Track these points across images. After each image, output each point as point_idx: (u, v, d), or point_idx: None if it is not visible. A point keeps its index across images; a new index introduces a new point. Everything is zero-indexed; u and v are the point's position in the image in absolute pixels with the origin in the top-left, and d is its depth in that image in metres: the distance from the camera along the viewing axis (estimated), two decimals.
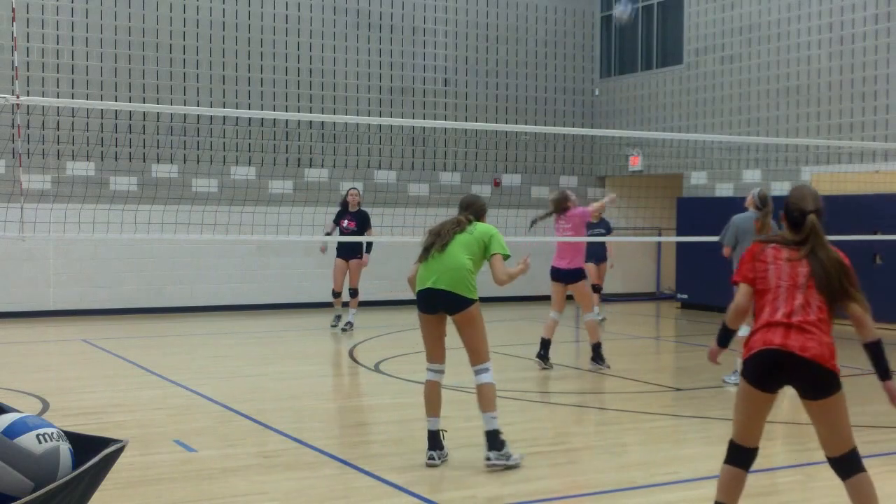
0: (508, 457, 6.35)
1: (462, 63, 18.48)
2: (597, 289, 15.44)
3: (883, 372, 4.54)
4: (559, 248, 10.64)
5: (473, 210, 6.82)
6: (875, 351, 4.52)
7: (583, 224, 10.62)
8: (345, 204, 13.70)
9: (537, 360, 10.63)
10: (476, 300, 6.50)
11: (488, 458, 6.33)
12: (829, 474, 6.30)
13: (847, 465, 4.48)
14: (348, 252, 13.67)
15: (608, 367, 10.61)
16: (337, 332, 13.67)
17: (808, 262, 4.51)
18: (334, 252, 13.82)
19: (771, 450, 7.00)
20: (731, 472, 4.56)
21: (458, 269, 6.47)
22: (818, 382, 4.43)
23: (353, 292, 13.82)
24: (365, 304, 16.93)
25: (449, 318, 6.60)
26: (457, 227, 6.66)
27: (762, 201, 9.62)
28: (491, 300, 18.02)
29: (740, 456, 4.56)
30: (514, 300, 17.70)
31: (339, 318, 13.97)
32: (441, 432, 6.58)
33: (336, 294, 13.83)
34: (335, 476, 6.27)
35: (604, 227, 15.15)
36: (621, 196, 19.58)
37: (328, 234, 13.67)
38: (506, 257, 6.60)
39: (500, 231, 6.77)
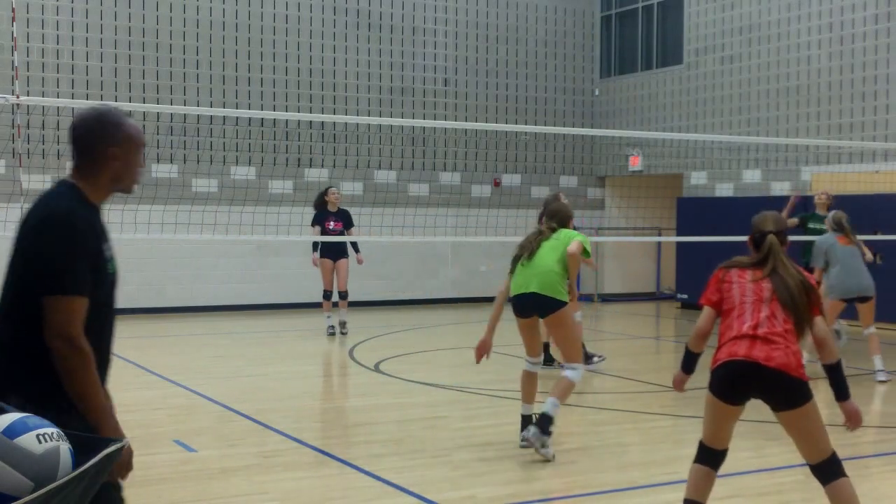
0: (544, 444, 6.55)
1: (462, 63, 18.48)
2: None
3: (842, 393, 4.56)
4: None
5: (559, 219, 7.23)
6: (835, 373, 4.55)
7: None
8: (323, 204, 13.10)
9: (591, 361, 10.48)
10: (566, 302, 6.82)
11: (527, 430, 6.62)
12: None
13: (826, 471, 4.51)
14: (335, 252, 13.11)
15: (601, 358, 10.55)
16: (336, 336, 13.24)
17: (771, 280, 4.55)
18: (320, 253, 13.17)
19: (771, 450, 7.00)
20: (700, 471, 4.67)
21: (546, 272, 6.80)
22: (786, 393, 4.45)
23: (343, 294, 13.31)
24: (365, 304, 16.94)
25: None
26: (540, 236, 7.05)
27: (837, 225, 9.93)
28: (487, 300, 18.03)
29: (710, 457, 4.69)
30: None
31: (332, 326, 13.32)
32: (533, 416, 6.84)
33: (328, 295, 13.26)
34: (335, 476, 6.28)
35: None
36: (621, 196, 19.63)
37: (316, 244, 13.13)
38: (585, 254, 6.98)
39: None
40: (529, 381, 7.11)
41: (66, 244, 3.01)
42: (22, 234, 3.09)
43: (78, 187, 3.23)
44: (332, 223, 13.00)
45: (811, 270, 9.83)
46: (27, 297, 2.99)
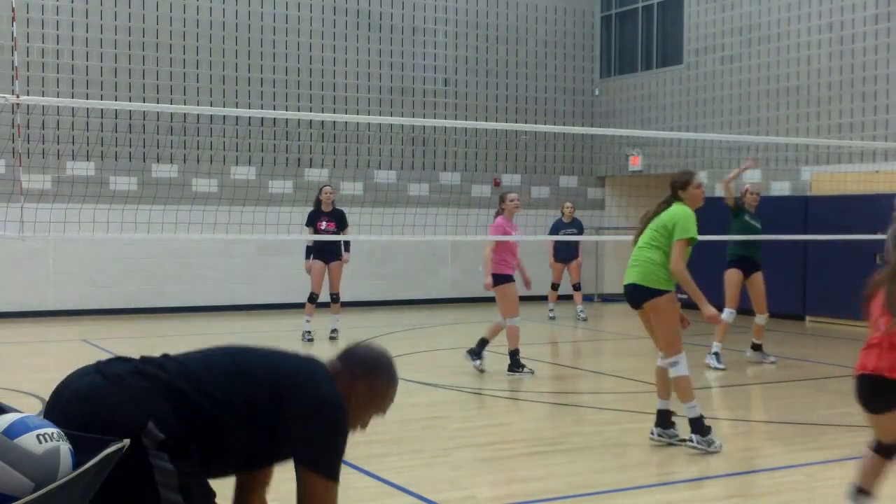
0: (711, 443, 6.62)
1: (462, 63, 18.48)
2: (577, 287, 15.75)
3: None
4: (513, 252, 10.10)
5: (673, 187, 6.95)
6: None
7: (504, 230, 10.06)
8: (318, 203, 12.65)
9: (519, 370, 10.03)
10: (664, 291, 6.66)
11: (690, 440, 6.67)
12: (829, 474, 6.30)
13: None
14: (328, 254, 12.58)
15: (530, 371, 10.08)
16: (314, 342, 12.60)
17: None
18: (314, 255, 12.71)
19: (771, 450, 7.00)
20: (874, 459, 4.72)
21: (643, 262, 6.71)
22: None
23: (336, 297, 12.82)
24: (364, 305, 16.95)
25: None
26: (654, 214, 6.88)
27: None
28: (486, 300, 18.03)
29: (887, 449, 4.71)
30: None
31: (310, 332, 12.72)
32: (668, 413, 6.89)
33: (313, 298, 12.61)
34: None
35: (576, 227, 15.46)
36: (621, 196, 19.64)
37: (310, 246, 12.65)
38: (691, 241, 6.77)
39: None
40: (659, 376, 6.99)
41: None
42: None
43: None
44: (324, 223, 12.51)
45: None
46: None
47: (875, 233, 13.34)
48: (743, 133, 16.57)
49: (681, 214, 6.72)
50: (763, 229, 11.06)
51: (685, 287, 6.69)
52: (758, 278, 10.86)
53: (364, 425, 3.53)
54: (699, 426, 6.67)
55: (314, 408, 3.26)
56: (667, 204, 6.89)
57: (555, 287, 15.69)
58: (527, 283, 10.24)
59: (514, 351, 10.01)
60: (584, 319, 15.39)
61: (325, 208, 12.63)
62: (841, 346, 12.38)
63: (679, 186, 6.89)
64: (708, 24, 17.54)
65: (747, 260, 10.83)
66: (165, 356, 3.37)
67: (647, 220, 6.91)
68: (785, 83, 16.13)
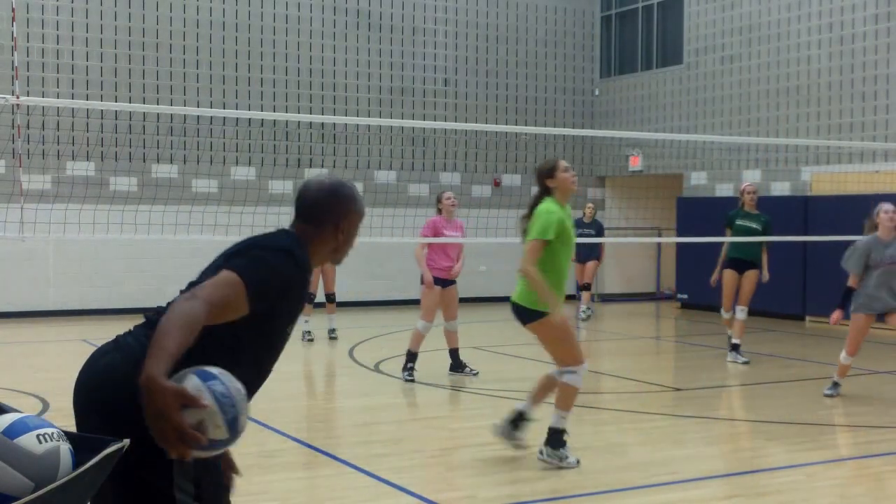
0: (563, 457, 6.30)
1: (462, 63, 18.48)
2: (586, 287, 15.79)
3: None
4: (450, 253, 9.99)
5: (541, 178, 6.49)
6: None
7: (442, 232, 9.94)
8: None
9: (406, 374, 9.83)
10: (543, 313, 6.21)
11: (541, 452, 6.38)
12: (829, 474, 6.31)
13: None
14: None
15: (474, 371, 10.00)
16: (314, 342, 12.71)
17: None
18: None
19: (771, 450, 7.01)
20: None
21: (521, 276, 6.32)
22: None
23: (331, 297, 12.86)
24: (364, 304, 16.95)
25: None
26: (528, 213, 6.44)
27: None
28: (486, 301, 18.03)
29: None
30: (504, 300, 17.67)
31: (310, 332, 12.81)
32: (524, 414, 6.59)
33: (311, 298, 12.44)
34: (335, 476, 6.28)
35: (594, 227, 15.49)
36: (621, 196, 19.63)
37: None
38: (545, 242, 6.20)
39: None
40: (545, 382, 6.66)
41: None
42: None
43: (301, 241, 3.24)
44: None
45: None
46: None
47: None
48: (743, 133, 16.57)
49: (541, 213, 6.28)
50: (768, 226, 11.07)
51: (534, 287, 6.19)
52: (750, 275, 10.98)
53: (342, 250, 3.34)
54: (556, 438, 6.33)
55: (252, 243, 3.12)
56: (537, 200, 6.47)
57: (585, 287, 15.76)
58: (428, 284, 9.78)
59: (410, 354, 9.82)
60: (584, 320, 15.40)
61: None
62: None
63: (546, 175, 6.44)
64: (708, 24, 17.54)
65: (739, 260, 10.97)
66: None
67: (525, 220, 6.47)
68: (785, 83, 16.13)
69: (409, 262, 18.38)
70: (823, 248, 14.27)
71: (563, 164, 6.48)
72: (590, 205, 15.88)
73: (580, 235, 14.90)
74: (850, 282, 8.72)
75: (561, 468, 6.27)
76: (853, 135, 14.93)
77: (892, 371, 10.69)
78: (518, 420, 6.63)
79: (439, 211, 9.97)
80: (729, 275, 11.01)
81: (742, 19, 16.90)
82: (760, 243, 11.04)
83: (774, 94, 16.30)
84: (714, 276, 11.26)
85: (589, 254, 15.54)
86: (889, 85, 14.58)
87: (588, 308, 15.81)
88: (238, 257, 3.04)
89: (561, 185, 6.42)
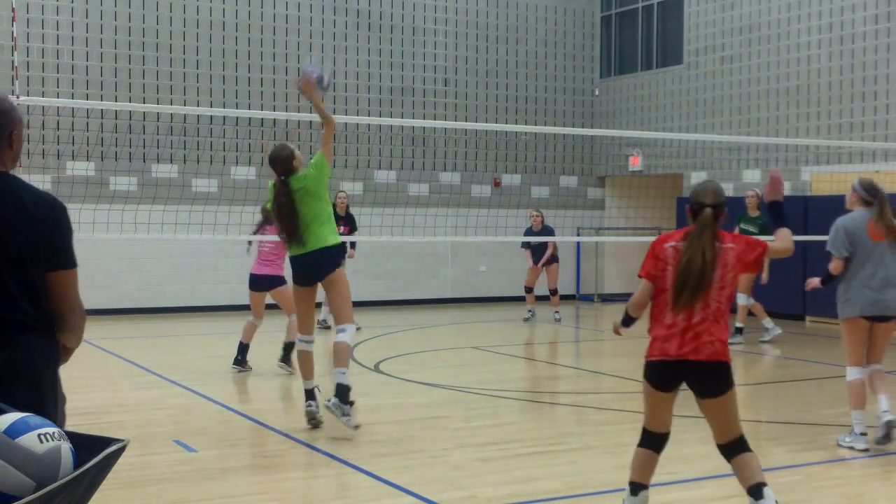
0: (346, 414, 7.00)
1: (462, 63, 18.49)
2: (554, 292, 15.40)
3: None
4: (263, 255, 10.62)
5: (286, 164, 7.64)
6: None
7: None
8: (332, 207, 12.86)
9: (235, 366, 10.16)
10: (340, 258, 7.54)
11: (329, 400, 7.02)
12: (829, 474, 6.31)
13: (733, 449, 5.04)
14: None
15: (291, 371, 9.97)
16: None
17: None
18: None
19: (771, 450, 7.00)
20: (644, 455, 4.95)
21: None
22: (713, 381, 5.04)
23: None
24: (364, 304, 16.94)
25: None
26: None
27: (869, 191, 7.46)
28: (486, 301, 18.03)
29: (653, 441, 4.98)
30: (504, 300, 17.68)
31: (325, 320, 12.97)
32: (314, 390, 7.35)
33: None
34: (335, 476, 6.28)
35: (545, 233, 14.90)
36: (621, 196, 19.63)
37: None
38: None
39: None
40: (305, 357, 7.51)
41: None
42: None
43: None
44: (340, 228, 12.71)
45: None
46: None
47: None
48: (743, 133, 16.58)
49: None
50: (764, 227, 11.20)
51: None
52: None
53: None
54: (344, 393, 7.01)
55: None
56: None
57: (527, 290, 15.19)
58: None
59: (289, 343, 10.04)
60: (526, 320, 15.18)
61: (340, 212, 13.05)
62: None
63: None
64: (708, 24, 17.54)
65: None
66: None
67: None
68: (785, 83, 16.13)
69: (409, 262, 18.45)
70: (823, 248, 14.25)
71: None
72: (533, 212, 15.12)
73: (533, 245, 14.76)
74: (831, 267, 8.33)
75: (342, 419, 7.00)
76: (853, 135, 14.94)
77: (892, 371, 10.68)
78: (311, 393, 7.31)
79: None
80: None
81: (742, 19, 16.90)
82: None
83: (774, 94, 16.30)
84: None
85: (541, 257, 15.04)
86: (889, 85, 14.58)
87: (531, 310, 15.33)
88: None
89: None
